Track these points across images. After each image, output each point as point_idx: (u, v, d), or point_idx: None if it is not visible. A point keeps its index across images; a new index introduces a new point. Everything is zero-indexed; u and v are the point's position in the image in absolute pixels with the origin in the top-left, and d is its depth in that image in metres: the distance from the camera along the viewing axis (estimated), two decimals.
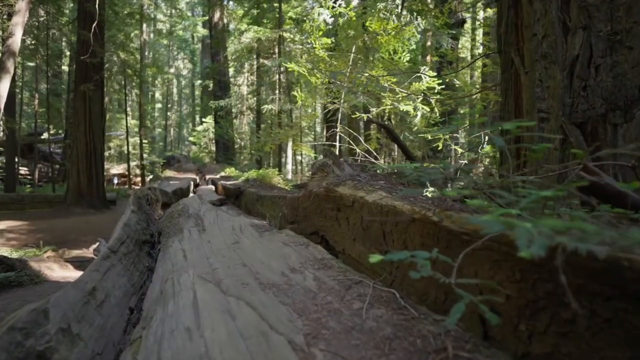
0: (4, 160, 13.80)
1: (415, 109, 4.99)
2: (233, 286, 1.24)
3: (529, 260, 0.94)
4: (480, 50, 14.43)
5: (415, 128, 5.35)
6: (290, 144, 12.40)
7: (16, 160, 14.12)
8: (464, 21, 12.74)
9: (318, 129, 24.81)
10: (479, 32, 15.46)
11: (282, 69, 13.11)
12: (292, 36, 12.13)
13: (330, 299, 1.09)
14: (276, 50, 14.33)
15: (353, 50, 5.07)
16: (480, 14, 15.20)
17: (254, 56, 16.69)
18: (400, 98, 4.99)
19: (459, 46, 12.75)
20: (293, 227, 2.37)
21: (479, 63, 8.85)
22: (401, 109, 5.07)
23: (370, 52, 5.38)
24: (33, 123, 18.31)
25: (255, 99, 16.47)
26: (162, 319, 1.09)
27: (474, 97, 6.61)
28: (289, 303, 1.07)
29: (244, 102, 17.14)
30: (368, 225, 1.61)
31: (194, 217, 3.11)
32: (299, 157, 22.95)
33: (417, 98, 4.98)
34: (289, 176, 12.52)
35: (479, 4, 13.51)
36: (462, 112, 13.89)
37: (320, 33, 5.25)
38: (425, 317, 0.95)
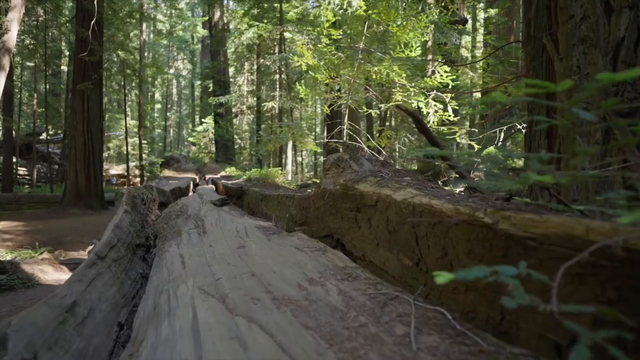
0: (2, 160, 13.60)
1: (427, 104, 4.76)
2: (241, 302, 1.02)
3: (631, 275, 0.73)
4: (481, 52, 14.29)
5: (429, 125, 5.14)
6: (290, 144, 12.20)
7: (14, 160, 13.92)
8: (466, 20, 12.65)
9: (318, 129, 24.62)
10: (479, 33, 15.35)
11: (282, 67, 12.91)
12: (292, 36, 11.95)
13: (364, 321, 0.87)
14: (277, 50, 14.15)
15: (362, 43, 4.84)
16: (481, 14, 15.05)
17: (255, 56, 16.50)
18: (412, 93, 4.78)
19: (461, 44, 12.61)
20: (303, 229, 2.15)
21: (479, 64, 8.66)
22: (413, 105, 4.85)
23: (380, 42, 5.16)
24: (32, 123, 18.13)
25: (255, 98, 16.25)
26: (154, 346, 0.87)
27: (492, 91, 6.39)
28: (313, 326, 0.85)
29: (244, 101, 16.95)
30: (395, 227, 1.40)
31: (193, 218, 2.89)
32: (299, 158, 22.76)
33: (429, 94, 4.77)
34: (289, 177, 12.34)
35: (480, 5, 13.36)
36: (463, 112, 13.68)
37: (328, 24, 5.04)
38: (497, 350, 0.72)
